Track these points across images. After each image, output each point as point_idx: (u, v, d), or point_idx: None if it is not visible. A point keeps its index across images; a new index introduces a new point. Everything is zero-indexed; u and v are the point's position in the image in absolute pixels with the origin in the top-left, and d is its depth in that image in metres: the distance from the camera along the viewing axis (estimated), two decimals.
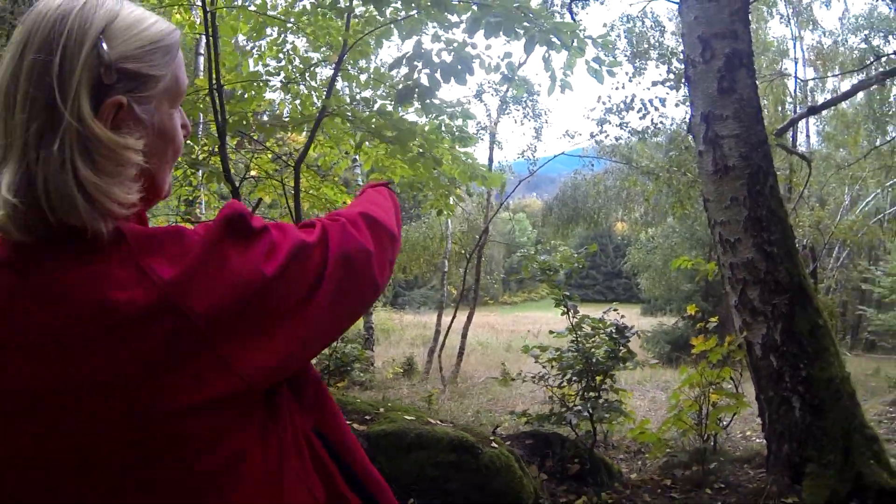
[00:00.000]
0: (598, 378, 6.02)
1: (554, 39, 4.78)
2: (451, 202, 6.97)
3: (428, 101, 5.12)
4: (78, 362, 0.88)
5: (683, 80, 6.12)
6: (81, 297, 0.89)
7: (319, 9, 5.84)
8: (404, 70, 5.04)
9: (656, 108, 15.36)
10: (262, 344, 0.93)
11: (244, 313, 0.92)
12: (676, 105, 14.75)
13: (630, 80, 16.30)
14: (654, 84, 14.78)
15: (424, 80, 4.90)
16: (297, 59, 6.92)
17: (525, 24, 4.60)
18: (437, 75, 4.82)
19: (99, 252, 0.91)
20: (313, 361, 1.32)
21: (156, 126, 1.02)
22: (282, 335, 0.95)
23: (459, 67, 4.82)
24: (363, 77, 6.78)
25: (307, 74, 6.90)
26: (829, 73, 22.23)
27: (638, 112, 15.63)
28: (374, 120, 5.77)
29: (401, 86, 5.13)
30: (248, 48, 7.39)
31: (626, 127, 16.44)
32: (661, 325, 24.30)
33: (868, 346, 23.62)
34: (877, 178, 20.92)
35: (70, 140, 0.90)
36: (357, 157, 7.80)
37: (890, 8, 9.34)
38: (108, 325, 0.87)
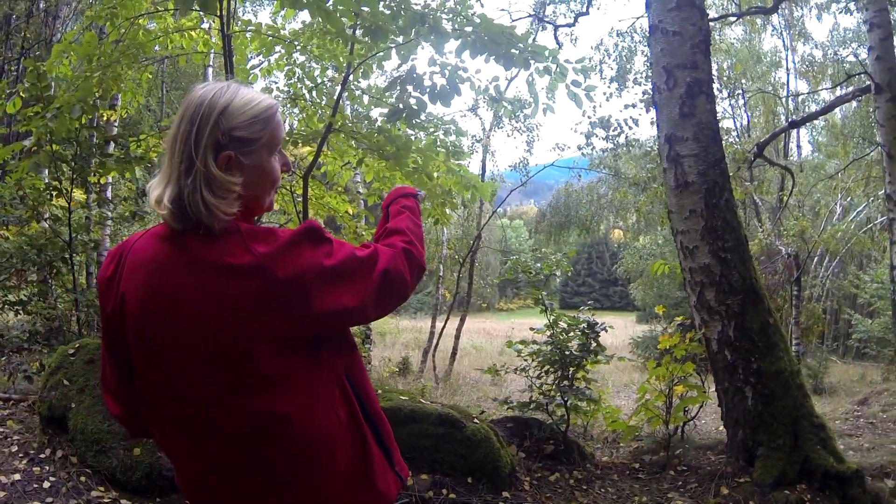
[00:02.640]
0: (571, 369, 6.58)
1: (532, 61, 5.29)
2: (448, 212, 7.43)
3: (415, 120, 5.67)
4: (208, 297, 1.55)
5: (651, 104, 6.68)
6: (212, 260, 1.55)
7: (327, 36, 6.33)
8: (398, 90, 5.58)
9: (630, 128, 16.29)
10: (309, 305, 1.58)
11: (305, 284, 1.57)
12: (651, 123, 15.49)
13: (609, 99, 17.10)
14: (627, 107, 15.60)
15: (413, 102, 5.46)
16: (305, 77, 7.44)
17: (503, 46, 5.11)
18: (426, 98, 5.40)
19: (222, 236, 1.57)
20: None
21: (256, 167, 1.67)
22: (324, 305, 1.60)
23: (448, 89, 5.38)
24: (366, 98, 7.27)
25: (314, 92, 7.43)
26: (819, 87, 22.51)
27: (613, 130, 16.45)
28: (375, 136, 6.31)
29: (392, 105, 5.65)
30: (257, 63, 7.92)
31: (612, 140, 17.10)
32: (652, 331, 24.51)
33: (858, 354, 23.74)
34: (862, 189, 21.21)
35: (199, 177, 1.56)
36: (358, 171, 8.31)
37: (865, 22, 9.81)
38: (227, 276, 1.53)
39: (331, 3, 5.04)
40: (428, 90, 5.31)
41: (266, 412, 1.59)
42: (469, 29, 5.14)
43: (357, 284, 1.65)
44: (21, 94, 6.12)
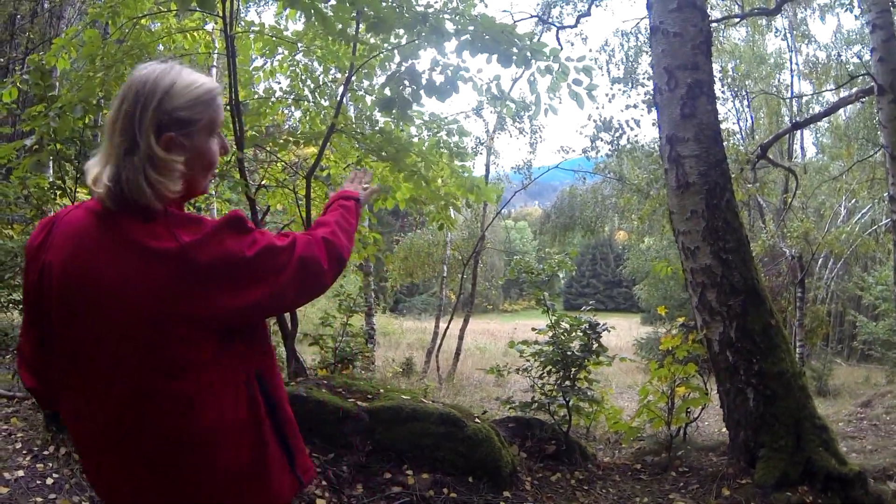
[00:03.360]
0: (573, 369, 6.59)
1: (533, 60, 5.29)
2: (452, 215, 7.45)
3: (410, 112, 5.67)
4: (130, 277, 1.57)
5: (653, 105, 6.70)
6: (138, 241, 1.57)
7: (329, 36, 6.35)
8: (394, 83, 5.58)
9: (631, 129, 16.34)
10: (228, 294, 1.61)
11: (225, 273, 1.60)
12: (653, 125, 15.57)
13: (611, 101, 17.18)
14: (628, 107, 15.66)
15: (408, 95, 5.47)
16: (308, 79, 7.46)
17: (504, 44, 5.12)
18: (421, 92, 5.41)
19: (151, 220, 1.60)
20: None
21: (195, 148, 1.70)
22: (243, 295, 1.63)
23: (447, 87, 5.39)
24: (368, 99, 7.29)
25: (317, 93, 7.45)
26: (823, 88, 22.47)
27: (614, 133, 16.48)
28: (376, 137, 6.32)
29: (386, 93, 5.65)
30: (260, 65, 7.95)
31: (615, 143, 17.11)
32: (656, 332, 24.54)
33: (863, 356, 23.67)
34: (866, 191, 21.14)
35: (143, 156, 1.60)
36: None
37: (867, 24, 9.81)
38: (150, 259, 1.56)
39: (329, 5, 5.05)
40: (425, 84, 5.33)
41: (169, 397, 1.61)
42: (471, 28, 5.15)
43: (275, 273, 1.68)
44: (18, 84, 6.17)
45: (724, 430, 6.65)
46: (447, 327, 17.91)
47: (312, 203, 7.01)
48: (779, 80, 24.68)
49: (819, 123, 23.39)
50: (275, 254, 1.68)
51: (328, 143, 6.58)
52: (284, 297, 1.72)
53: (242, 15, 9.26)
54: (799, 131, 23.67)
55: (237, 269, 1.61)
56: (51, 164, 7.35)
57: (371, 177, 2.47)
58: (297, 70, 7.48)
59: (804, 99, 22.44)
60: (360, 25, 5.68)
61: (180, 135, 1.65)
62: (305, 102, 7.53)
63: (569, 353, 6.58)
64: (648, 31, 6.47)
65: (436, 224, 7.83)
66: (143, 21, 6.71)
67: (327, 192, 7.97)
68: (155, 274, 1.55)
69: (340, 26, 5.27)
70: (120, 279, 1.56)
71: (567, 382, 6.56)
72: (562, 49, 5.61)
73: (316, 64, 7.59)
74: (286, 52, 7.30)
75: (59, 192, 6.62)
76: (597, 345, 6.61)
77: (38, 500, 4.16)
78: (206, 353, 1.62)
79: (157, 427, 1.62)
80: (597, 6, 15.24)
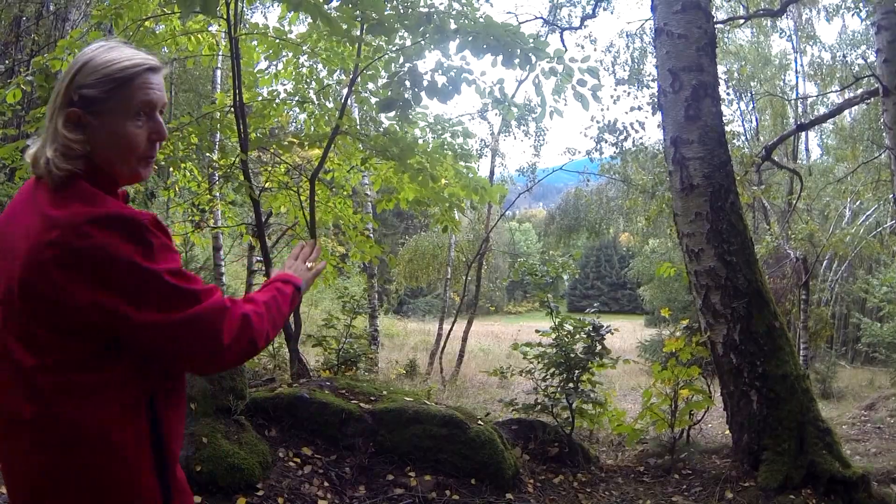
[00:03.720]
0: (576, 371, 6.58)
1: (536, 60, 5.28)
2: (457, 217, 7.43)
3: (410, 112, 5.67)
4: (31, 238, 1.53)
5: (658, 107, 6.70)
6: (40, 207, 1.56)
7: (333, 37, 6.36)
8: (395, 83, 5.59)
9: (636, 131, 16.28)
10: (86, 288, 1.49)
11: (90, 262, 1.50)
12: (658, 127, 15.55)
13: (616, 102, 17.08)
14: (633, 109, 15.63)
15: (409, 96, 5.48)
16: (312, 81, 7.46)
17: (507, 45, 5.12)
18: (423, 94, 5.42)
19: (58, 191, 1.58)
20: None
21: (105, 128, 1.63)
22: (101, 295, 1.50)
23: (449, 88, 5.40)
24: (373, 101, 7.30)
25: (321, 95, 7.46)
26: (828, 89, 22.40)
27: (619, 135, 16.43)
28: (380, 138, 6.32)
29: (389, 94, 5.65)
30: (265, 68, 7.95)
31: (619, 145, 17.08)
32: (660, 334, 24.42)
33: (867, 359, 23.55)
34: (872, 193, 21.01)
35: (50, 134, 1.61)
36: (366, 173, 8.33)
37: (872, 24, 9.78)
38: (46, 224, 1.52)
39: (333, 6, 5.05)
40: (426, 86, 5.33)
41: (28, 377, 1.55)
42: (475, 29, 5.15)
43: (151, 305, 1.53)
44: (22, 86, 6.18)
45: (728, 432, 6.63)
46: (451, 329, 17.88)
47: (317, 205, 7.00)
48: (784, 82, 24.61)
49: (824, 125, 23.34)
50: (161, 285, 1.54)
51: (332, 146, 6.58)
52: (155, 340, 1.57)
53: (248, 17, 9.28)
54: (804, 133, 23.57)
55: (102, 264, 1.50)
56: None
57: (318, 252, 2.24)
58: (302, 73, 7.48)
59: (809, 100, 22.31)
60: (364, 27, 5.68)
61: (87, 112, 1.61)
62: (310, 105, 7.53)
63: (572, 355, 6.57)
64: (653, 33, 6.47)
65: (440, 226, 7.83)
66: (147, 23, 6.71)
67: (329, 195, 7.98)
68: (42, 238, 1.50)
69: (346, 27, 5.27)
70: (23, 238, 1.55)
71: (570, 384, 6.55)
72: (566, 51, 5.61)
73: (320, 66, 7.59)
74: (290, 55, 7.30)
75: None
76: (600, 347, 6.60)
77: None
78: (83, 354, 1.54)
79: (20, 411, 1.56)
80: (604, 9, 15.24)
